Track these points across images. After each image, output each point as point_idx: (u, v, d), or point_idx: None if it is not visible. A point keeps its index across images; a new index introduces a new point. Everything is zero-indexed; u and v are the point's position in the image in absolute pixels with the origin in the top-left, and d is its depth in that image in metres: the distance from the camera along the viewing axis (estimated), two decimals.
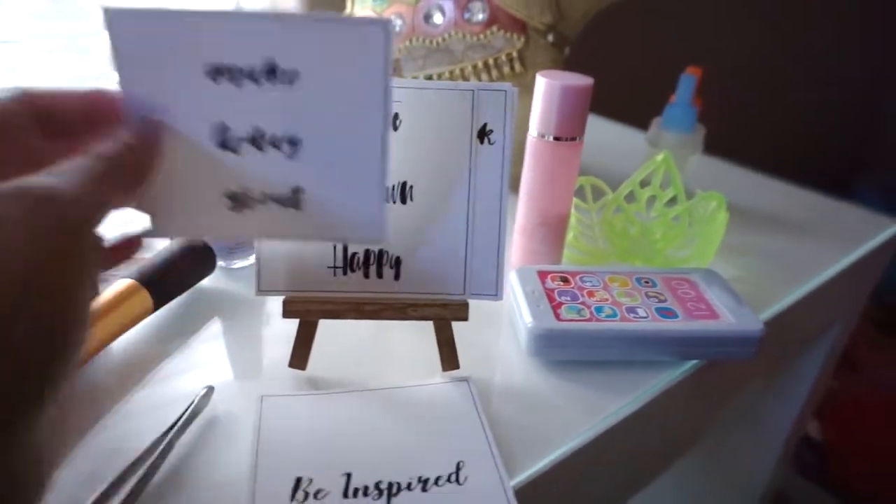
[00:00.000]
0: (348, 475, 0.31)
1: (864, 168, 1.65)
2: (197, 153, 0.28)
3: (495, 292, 0.38)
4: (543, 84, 0.44)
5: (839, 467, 1.20)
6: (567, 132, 0.45)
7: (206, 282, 0.47)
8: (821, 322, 0.68)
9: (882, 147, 1.64)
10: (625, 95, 0.94)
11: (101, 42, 0.74)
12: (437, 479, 0.32)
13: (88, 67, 0.75)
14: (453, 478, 0.32)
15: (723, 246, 0.54)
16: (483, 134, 0.36)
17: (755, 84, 1.48)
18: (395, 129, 0.36)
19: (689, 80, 0.63)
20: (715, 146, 0.71)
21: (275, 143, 0.28)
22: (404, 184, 0.36)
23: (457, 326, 0.38)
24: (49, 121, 0.27)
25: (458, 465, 0.33)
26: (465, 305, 0.37)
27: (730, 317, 0.42)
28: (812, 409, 0.81)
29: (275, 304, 0.42)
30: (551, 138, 0.45)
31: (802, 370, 0.76)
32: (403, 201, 0.36)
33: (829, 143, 1.64)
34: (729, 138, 0.79)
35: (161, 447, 0.32)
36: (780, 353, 0.62)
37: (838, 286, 0.59)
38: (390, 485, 0.31)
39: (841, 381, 0.88)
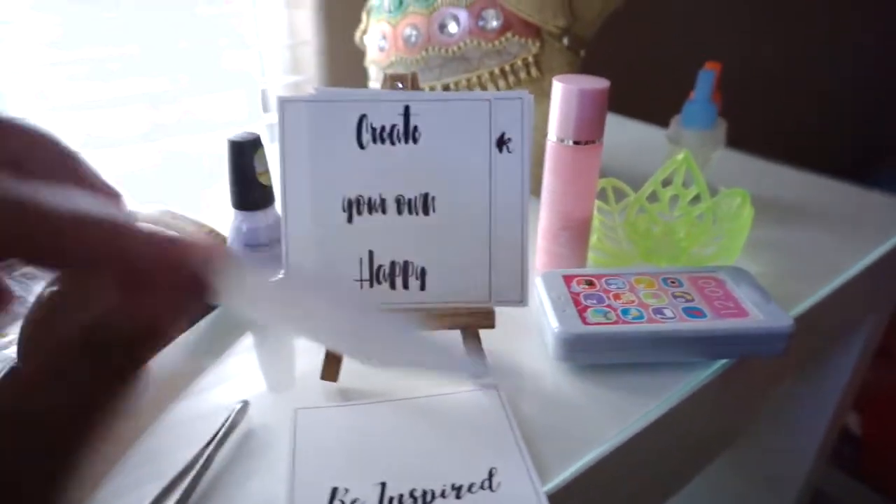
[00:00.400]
0: (383, 484, 0.32)
1: (884, 156, 1.61)
2: None
3: (520, 299, 0.38)
4: (560, 89, 0.44)
5: (872, 462, 1.17)
6: (586, 136, 0.45)
7: None
8: (853, 315, 0.67)
9: None
10: (644, 93, 0.94)
11: (124, 67, 0.76)
12: (471, 486, 0.32)
13: (113, 92, 0.77)
14: (486, 485, 0.32)
15: (748, 241, 0.53)
16: (501, 142, 0.36)
17: (773, 76, 1.45)
18: (415, 141, 0.36)
19: (707, 76, 0.62)
20: (735, 139, 0.70)
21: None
22: (426, 195, 0.37)
23: (484, 334, 0.38)
24: None
25: (490, 471, 0.33)
26: (491, 313, 0.38)
27: (758, 314, 0.42)
28: (849, 402, 0.79)
29: None
30: (570, 143, 0.45)
31: (838, 363, 0.75)
32: (426, 213, 0.37)
33: (847, 132, 1.61)
34: (748, 130, 0.78)
35: (200, 462, 0.33)
36: (811, 349, 0.61)
37: (870, 277, 0.58)
38: (424, 493, 0.32)
39: (876, 372, 0.85)
